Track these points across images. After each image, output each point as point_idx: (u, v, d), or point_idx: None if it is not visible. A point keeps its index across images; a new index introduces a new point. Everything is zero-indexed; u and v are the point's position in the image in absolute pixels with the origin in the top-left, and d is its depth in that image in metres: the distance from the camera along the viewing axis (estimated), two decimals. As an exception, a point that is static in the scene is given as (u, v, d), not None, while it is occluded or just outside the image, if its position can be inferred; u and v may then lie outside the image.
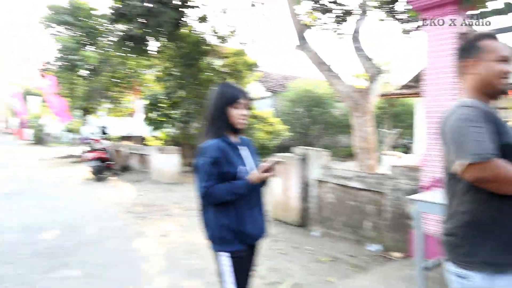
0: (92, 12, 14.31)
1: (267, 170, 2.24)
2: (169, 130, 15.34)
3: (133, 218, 6.71)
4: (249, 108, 2.44)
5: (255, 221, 2.36)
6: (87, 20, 14.96)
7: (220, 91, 2.41)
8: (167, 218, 6.74)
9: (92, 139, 11.56)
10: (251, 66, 12.49)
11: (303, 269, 4.45)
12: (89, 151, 11.07)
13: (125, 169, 12.85)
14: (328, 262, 4.68)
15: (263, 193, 2.48)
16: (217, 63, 12.42)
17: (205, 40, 11.63)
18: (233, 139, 2.39)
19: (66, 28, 15.86)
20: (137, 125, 24.29)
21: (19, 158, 18.06)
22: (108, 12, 11.00)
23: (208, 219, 2.34)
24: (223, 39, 11.85)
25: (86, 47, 14.22)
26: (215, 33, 11.72)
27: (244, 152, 2.43)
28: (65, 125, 23.31)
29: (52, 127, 30.65)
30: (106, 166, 11.30)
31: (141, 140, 15.97)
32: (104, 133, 12.14)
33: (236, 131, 2.38)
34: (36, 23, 15.80)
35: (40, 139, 32.34)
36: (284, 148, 11.34)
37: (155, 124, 14.81)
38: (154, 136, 15.41)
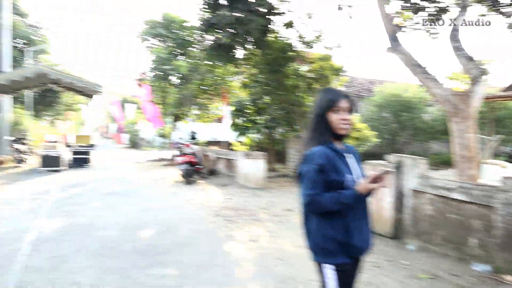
0: (183, 24, 15.15)
1: (375, 180, 2.08)
2: (254, 136, 15.62)
3: (222, 221, 6.85)
4: (352, 112, 2.31)
5: (361, 232, 2.22)
6: (178, 32, 15.89)
7: (320, 96, 2.33)
8: (255, 223, 6.77)
9: (183, 144, 12.15)
10: (337, 71, 12.18)
11: (401, 285, 4.14)
12: (179, 155, 11.64)
13: (213, 173, 13.30)
14: (427, 279, 4.30)
15: (369, 203, 2.33)
16: (303, 68, 12.32)
17: (291, 46, 11.61)
18: (338, 146, 2.27)
19: (159, 40, 17.05)
20: (224, 131, 25.19)
21: (118, 160, 19.75)
22: (198, 23, 11.60)
23: (311, 228, 2.24)
24: (309, 44, 11.73)
25: (177, 57, 15.06)
26: (301, 38, 11.65)
27: (351, 160, 2.30)
28: (157, 131, 24.97)
29: (146, 132, 33.12)
30: (195, 170, 11.80)
31: (227, 145, 16.47)
32: (193, 138, 12.70)
33: (339, 137, 2.26)
34: (134, 37, 17.20)
35: (135, 143, 35.16)
36: (371, 155, 10.82)
37: (241, 129, 15.18)
38: (239, 142, 15.79)
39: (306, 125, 12.79)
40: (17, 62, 21.63)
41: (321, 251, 2.19)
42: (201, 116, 15.98)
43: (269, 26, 9.67)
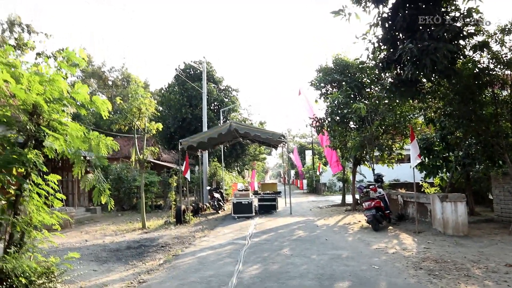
0: (358, 66, 15.09)
1: None
2: (446, 175, 13.92)
3: (426, 276, 5.99)
4: None
5: None
6: (354, 74, 15.87)
7: None
8: (469, 281, 5.67)
9: (369, 188, 11.63)
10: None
11: None
12: (366, 200, 11.12)
13: (401, 218, 12.23)
14: None
15: None
16: (504, 93, 10.55)
17: (486, 69, 10.12)
18: None
19: (332, 86, 17.31)
20: (409, 172, 23.42)
21: (300, 206, 20.32)
22: (373, 62, 11.27)
23: None
24: (508, 64, 9.99)
25: (355, 100, 14.94)
26: (497, 59, 10.04)
27: None
28: (337, 175, 24.93)
29: (325, 177, 33.54)
30: (383, 215, 11.05)
31: (414, 187, 15.11)
32: (379, 181, 12.04)
33: None
34: (307, 85, 17.95)
35: (314, 188, 35.92)
36: None
37: (429, 169, 13.77)
38: (428, 183, 14.29)
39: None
40: (212, 122, 25.19)
41: None
42: (383, 158, 15.20)
43: (458, 52, 8.62)
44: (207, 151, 21.09)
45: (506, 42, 9.93)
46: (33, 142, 5.61)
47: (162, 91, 28.09)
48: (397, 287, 5.52)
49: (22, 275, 5.17)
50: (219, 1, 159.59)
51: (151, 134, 15.40)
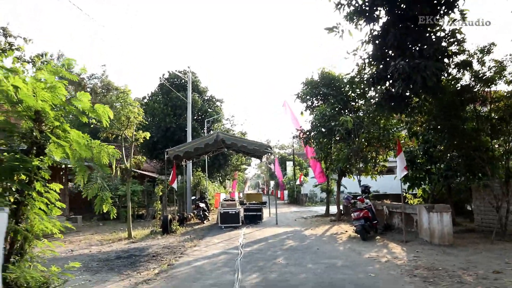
0: (344, 80, 15.52)
1: None
2: (428, 187, 14.40)
3: (422, 282, 6.22)
4: None
5: None
6: (340, 88, 16.29)
7: None
8: (462, 287, 5.93)
9: (356, 199, 11.90)
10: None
11: None
12: (354, 210, 11.38)
13: (387, 228, 12.55)
14: None
15: None
16: (484, 109, 11.09)
17: (468, 86, 10.64)
18: None
19: (316, 99, 17.67)
20: (389, 183, 23.96)
21: (284, 216, 20.46)
22: (361, 77, 11.65)
23: None
24: (489, 82, 10.54)
25: (341, 113, 15.31)
26: (478, 77, 10.59)
27: None
28: (320, 186, 25.24)
29: (306, 188, 33.89)
30: (371, 225, 11.33)
31: (397, 198, 15.55)
32: (365, 192, 12.35)
33: None
34: (293, 97, 18.26)
35: (295, 199, 36.18)
36: None
37: (412, 180, 14.20)
38: (411, 194, 14.74)
39: (494, 172, 11.25)
40: (196, 131, 25.15)
41: None
42: (367, 170, 15.58)
43: (444, 69, 9.07)
44: (191, 161, 21.04)
45: (485, 62, 10.50)
46: (35, 149, 5.57)
47: (145, 99, 27.87)
48: (396, 294, 5.72)
49: (23, 284, 5.09)
50: (203, 11, 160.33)
51: (138, 143, 15.29)
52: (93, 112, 6.27)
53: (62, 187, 6.10)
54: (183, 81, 25.85)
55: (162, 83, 26.40)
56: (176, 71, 25.58)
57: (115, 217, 6.68)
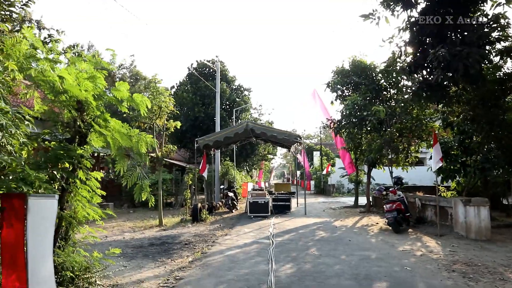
0: (377, 68, 15.16)
1: None
2: (462, 179, 13.97)
3: (461, 278, 6.07)
4: None
5: None
6: (372, 76, 15.94)
7: None
8: (505, 284, 5.75)
9: (389, 190, 11.69)
10: None
11: None
12: (386, 202, 11.19)
13: (419, 221, 12.28)
14: None
15: None
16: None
17: (511, 75, 10.20)
18: None
19: (346, 88, 17.34)
20: (420, 174, 23.42)
21: (312, 206, 20.37)
22: (399, 65, 11.33)
23: None
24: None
25: (372, 102, 15.00)
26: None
27: None
28: (348, 177, 24.96)
29: (333, 179, 33.61)
30: (403, 217, 11.12)
31: (428, 190, 15.20)
32: (398, 183, 12.12)
33: None
34: (323, 87, 17.97)
35: (322, 190, 35.97)
36: None
37: (446, 173, 13.81)
38: (445, 186, 14.36)
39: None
40: (225, 121, 25.27)
41: None
42: (398, 161, 15.26)
43: (486, 57, 8.70)
44: (219, 150, 21.19)
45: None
46: (77, 138, 5.71)
47: (173, 89, 28.17)
48: (435, 289, 5.61)
49: (69, 269, 5.28)
50: (229, 2, 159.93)
51: (169, 132, 15.50)
52: (131, 101, 6.36)
53: (102, 175, 6.27)
54: (211, 70, 25.94)
55: (191, 72, 26.59)
56: (204, 60, 25.68)
57: (153, 205, 6.81)
